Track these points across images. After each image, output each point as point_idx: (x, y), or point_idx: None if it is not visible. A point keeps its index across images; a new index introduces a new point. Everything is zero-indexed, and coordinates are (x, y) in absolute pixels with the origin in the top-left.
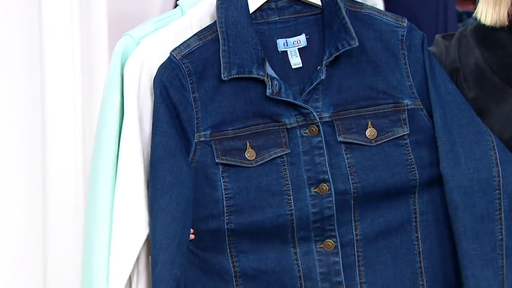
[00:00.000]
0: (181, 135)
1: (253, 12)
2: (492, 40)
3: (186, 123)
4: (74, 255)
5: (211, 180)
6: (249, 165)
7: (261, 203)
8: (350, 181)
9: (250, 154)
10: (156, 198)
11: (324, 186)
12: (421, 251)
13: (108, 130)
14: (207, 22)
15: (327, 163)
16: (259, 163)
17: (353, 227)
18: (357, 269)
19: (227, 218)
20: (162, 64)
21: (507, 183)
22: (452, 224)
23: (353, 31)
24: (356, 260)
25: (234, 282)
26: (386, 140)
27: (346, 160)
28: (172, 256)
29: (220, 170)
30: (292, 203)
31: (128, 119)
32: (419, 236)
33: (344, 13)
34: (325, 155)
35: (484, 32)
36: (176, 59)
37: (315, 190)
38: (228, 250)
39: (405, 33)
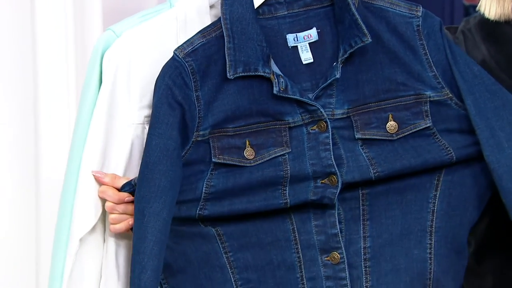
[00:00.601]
0: (183, 134)
1: (260, 7)
2: (498, 35)
3: (190, 122)
4: None
5: (195, 178)
6: (247, 164)
7: (251, 193)
8: (372, 170)
9: (249, 153)
10: (150, 202)
11: (333, 178)
12: (435, 210)
13: (82, 128)
14: (193, 15)
15: (332, 156)
16: (258, 162)
17: (363, 207)
18: (361, 222)
19: (202, 204)
20: (166, 63)
21: None
22: (508, 211)
23: (364, 28)
24: (361, 214)
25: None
26: (408, 133)
27: (364, 154)
28: (160, 263)
29: (211, 167)
30: (287, 193)
31: (96, 116)
32: (438, 194)
33: (353, 9)
34: (331, 149)
35: (489, 27)
36: (179, 57)
37: (323, 181)
38: (221, 248)
39: (420, 22)
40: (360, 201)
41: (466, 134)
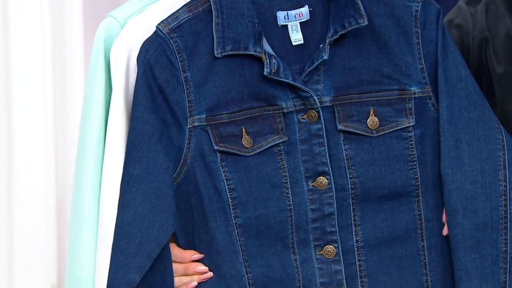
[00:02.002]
0: (171, 121)
1: None
2: None
3: (176, 106)
4: (42, 254)
5: (211, 169)
6: (246, 154)
7: (263, 196)
8: (348, 175)
9: (247, 141)
10: (121, 192)
11: (323, 179)
12: (427, 262)
13: (94, 124)
14: None
15: (327, 153)
16: (256, 151)
17: (354, 232)
18: (359, 280)
19: (233, 211)
20: (147, 39)
21: None
22: (449, 230)
23: (362, 8)
24: (358, 270)
25: None
26: (388, 131)
27: (344, 151)
28: (129, 259)
29: (219, 158)
30: (291, 197)
31: (115, 113)
32: (425, 245)
33: None
34: (325, 145)
35: None
36: (163, 33)
37: (313, 184)
38: (240, 253)
39: (419, 8)
40: (356, 255)
41: (438, 146)
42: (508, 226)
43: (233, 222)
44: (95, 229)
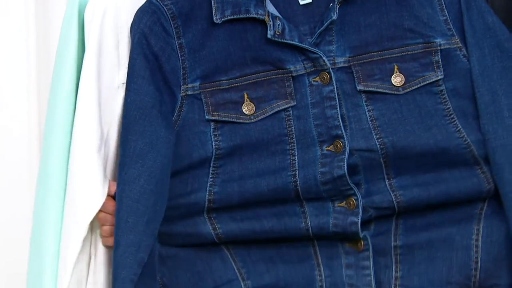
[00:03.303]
0: (164, 89)
1: None
2: None
3: (170, 74)
4: None
5: (199, 140)
6: (247, 121)
7: (257, 165)
8: (375, 136)
9: (248, 108)
10: (125, 168)
11: (339, 143)
12: (479, 245)
13: (65, 86)
14: None
15: (339, 116)
16: (259, 118)
17: (388, 185)
18: (392, 237)
19: (211, 179)
20: (140, 8)
21: None
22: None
23: None
24: (394, 228)
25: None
26: (416, 87)
27: (367, 112)
28: (139, 237)
29: (212, 127)
30: (296, 163)
31: (86, 75)
32: (491, 188)
33: None
34: (338, 107)
35: None
36: (157, 0)
37: (328, 148)
38: (209, 226)
39: None
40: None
41: (472, 99)
42: None
43: (208, 189)
44: (62, 194)
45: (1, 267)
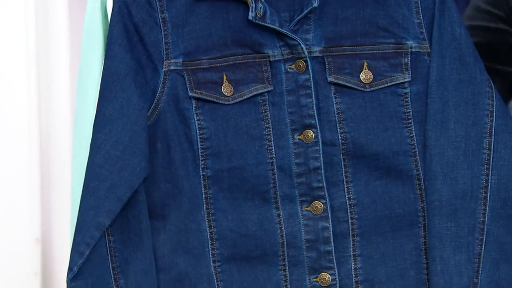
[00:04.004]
0: (146, 63)
1: None
2: None
3: (151, 47)
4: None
5: (184, 116)
6: (225, 102)
7: (240, 147)
8: (338, 130)
9: (227, 89)
10: (94, 133)
11: (310, 132)
12: (426, 225)
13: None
14: None
15: (314, 106)
16: (237, 100)
17: (345, 188)
18: (350, 238)
19: (202, 162)
20: None
21: (498, 157)
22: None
23: None
24: (350, 229)
25: (210, 246)
26: (382, 86)
27: (335, 105)
28: (99, 202)
29: (194, 105)
30: (273, 150)
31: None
32: (425, 206)
33: None
34: (313, 96)
35: None
36: None
37: (299, 137)
38: (204, 206)
39: None
40: (349, 213)
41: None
42: (488, 196)
43: (201, 174)
44: None
45: (1, 266)
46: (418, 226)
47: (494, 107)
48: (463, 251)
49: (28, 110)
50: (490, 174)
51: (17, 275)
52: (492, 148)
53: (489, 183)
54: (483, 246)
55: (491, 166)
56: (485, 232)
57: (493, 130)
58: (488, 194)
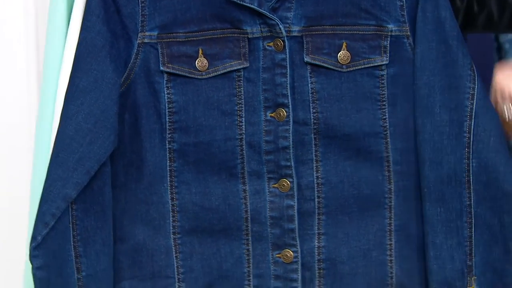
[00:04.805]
0: (121, 34)
1: None
2: None
3: (127, 19)
4: None
5: (154, 89)
6: (198, 77)
7: (209, 122)
8: (311, 109)
9: (201, 63)
10: (66, 103)
11: (282, 111)
12: (392, 206)
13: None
14: None
15: (288, 85)
16: (211, 75)
17: (314, 167)
18: (316, 217)
19: (169, 135)
20: None
21: (478, 140)
22: (420, 183)
23: None
24: (316, 207)
25: (171, 218)
26: (359, 67)
27: (310, 84)
28: (67, 173)
29: (165, 79)
30: (243, 126)
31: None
32: (392, 188)
33: None
34: (288, 75)
35: None
36: None
37: (271, 114)
38: (168, 179)
39: None
40: (316, 192)
41: (410, 88)
42: (471, 180)
43: (167, 147)
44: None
45: (0, 266)
46: (384, 207)
47: (476, 90)
48: (453, 236)
49: (28, 109)
50: (471, 158)
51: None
52: (472, 131)
53: (471, 166)
54: (473, 229)
55: (471, 149)
56: (472, 215)
57: (473, 113)
58: (471, 177)
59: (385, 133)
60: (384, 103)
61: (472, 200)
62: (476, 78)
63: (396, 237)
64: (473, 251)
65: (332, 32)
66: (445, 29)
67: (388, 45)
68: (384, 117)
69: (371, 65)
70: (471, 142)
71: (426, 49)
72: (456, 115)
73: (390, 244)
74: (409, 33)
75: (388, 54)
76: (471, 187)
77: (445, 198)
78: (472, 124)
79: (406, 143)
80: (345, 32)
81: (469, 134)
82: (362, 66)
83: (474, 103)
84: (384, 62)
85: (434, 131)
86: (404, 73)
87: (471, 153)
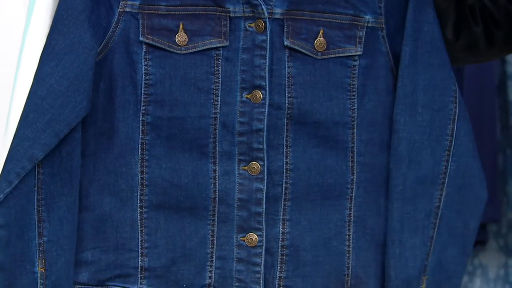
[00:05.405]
0: (102, 0)
1: None
2: None
3: None
4: None
5: (132, 60)
6: (177, 51)
7: (185, 98)
8: (286, 94)
9: (181, 38)
10: (40, 65)
11: (258, 93)
12: (353, 197)
13: None
14: None
15: (267, 67)
16: (190, 51)
17: (284, 152)
18: (282, 202)
19: (143, 108)
20: None
21: (459, 144)
22: (390, 180)
23: None
24: (283, 193)
25: (139, 191)
26: (333, 56)
27: (287, 68)
28: (36, 134)
29: (144, 50)
30: (219, 105)
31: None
32: (354, 179)
33: None
34: (267, 58)
35: None
36: None
37: (247, 96)
38: (139, 152)
39: None
40: (284, 177)
41: (380, 80)
42: (446, 182)
43: (140, 119)
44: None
45: None
46: (346, 198)
47: (457, 94)
48: (418, 235)
49: None
50: (450, 161)
51: None
52: (454, 134)
53: (448, 169)
54: (435, 230)
55: (451, 152)
56: (439, 217)
57: (456, 117)
58: (446, 179)
59: (352, 123)
60: (354, 93)
61: (442, 202)
62: (455, 81)
63: (354, 228)
64: (431, 251)
65: (311, 18)
66: (433, 30)
67: (364, 36)
68: (353, 107)
69: (345, 54)
70: (452, 146)
71: (414, 48)
72: (438, 117)
73: (349, 235)
74: (383, 25)
75: (363, 45)
76: (444, 189)
77: (416, 198)
78: (455, 127)
79: (371, 134)
80: (323, 19)
81: (451, 137)
82: (336, 55)
83: (457, 107)
84: (358, 53)
85: (414, 130)
86: (376, 65)
87: (451, 156)
